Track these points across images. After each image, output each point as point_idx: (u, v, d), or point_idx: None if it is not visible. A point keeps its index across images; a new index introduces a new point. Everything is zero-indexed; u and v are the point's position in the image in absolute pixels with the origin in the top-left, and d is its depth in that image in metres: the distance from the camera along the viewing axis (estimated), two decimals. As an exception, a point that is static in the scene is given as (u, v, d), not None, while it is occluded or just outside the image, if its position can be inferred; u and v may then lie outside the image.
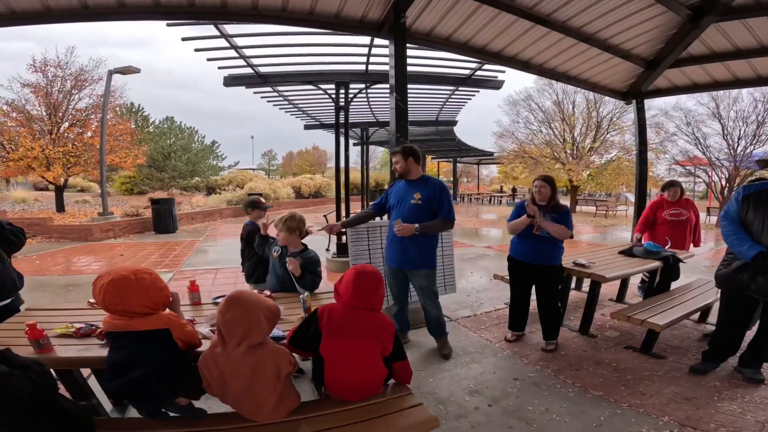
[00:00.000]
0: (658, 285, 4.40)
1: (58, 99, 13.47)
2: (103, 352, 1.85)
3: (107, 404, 2.54)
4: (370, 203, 3.71)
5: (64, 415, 1.59)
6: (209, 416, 1.88)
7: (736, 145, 14.24)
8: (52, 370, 2.14)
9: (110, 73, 10.75)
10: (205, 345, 1.95)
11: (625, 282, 5.08)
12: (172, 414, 1.85)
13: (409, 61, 4.40)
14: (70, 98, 13.76)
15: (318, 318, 1.95)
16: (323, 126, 10.96)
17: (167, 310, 1.90)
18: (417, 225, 3.21)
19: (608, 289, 5.12)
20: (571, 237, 3.54)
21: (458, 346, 3.71)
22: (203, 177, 25.92)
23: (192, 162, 25.99)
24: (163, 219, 11.11)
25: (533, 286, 3.75)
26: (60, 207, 13.68)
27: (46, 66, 13.35)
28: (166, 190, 23.47)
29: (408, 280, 3.56)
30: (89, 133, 14.11)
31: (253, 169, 38.51)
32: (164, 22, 4.27)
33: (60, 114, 13.58)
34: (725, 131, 14.48)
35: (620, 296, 5.09)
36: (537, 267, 3.58)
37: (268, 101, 8.54)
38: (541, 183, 3.54)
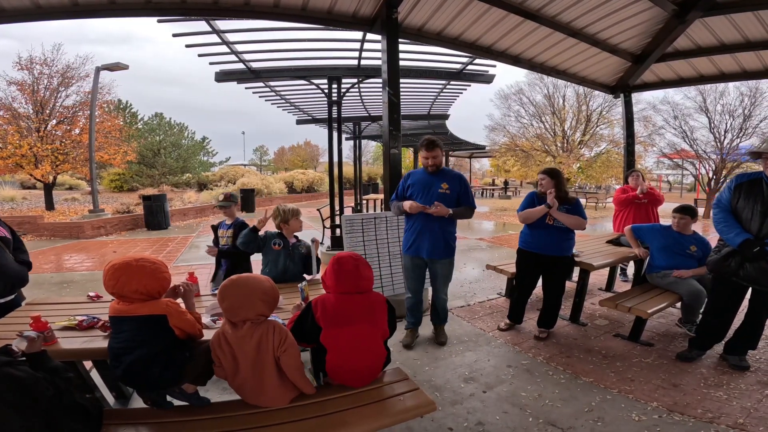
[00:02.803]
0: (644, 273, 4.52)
1: (44, 96, 13.27)
2: (106, 344, 1.88)
3: (110, 397, 2.58)
4: (391, 201, 3.70)
5: (79, 410, 1.65)
6: (213, 404, 1.93)
7: (722, 138, 14.42)
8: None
9: (98, 69, 10.62)
10: (208, 334, 2.00)
11: (613, 271, 5.21)
12: (177, 402, 1.90)
13: (401, 55, 4.43)
14: (57, 95, 13.57)
15: (312, 311, 1.99)
16: (315, 121, 10.94)
17: (179, 300, 1.95)
18: (451, 210, 3.32)
19: (597, 279, 5.24)
20: (584, 228, 3.56)
21: (453, 336, 3.79)
22: (194, 173, 25.71)
23: (182, 158, 25.78)
24: (155, 215, 11.05)
25: (540, 278, 3.77)
26: (50, 205, 13.52)
27: (32, 63, 13.15)
28: (157, 186, 23.28)
29: (425, 271, 3.63)
30: (77, 130, 13.93)
31: (245, 165, 38.26)
32: (154, 19, 4.27)
33: (47, 111, 13.39)
34: (712, 124, 14.65)
35: (609, 285, 5.22)
36: (549, 258, 3.58)
37: (260, 96, 8.50)
38: (542, 176, 3.59)
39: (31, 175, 13.43)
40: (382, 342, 2.07)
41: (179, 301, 2.03)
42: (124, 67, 10.58)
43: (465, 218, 3.48)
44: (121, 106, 25.88)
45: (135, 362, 1.74)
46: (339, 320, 1.97)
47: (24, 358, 1.57)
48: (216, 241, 3.98)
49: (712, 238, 3.67)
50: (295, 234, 3.19)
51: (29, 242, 9.25)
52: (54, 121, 13.71)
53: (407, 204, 3.38)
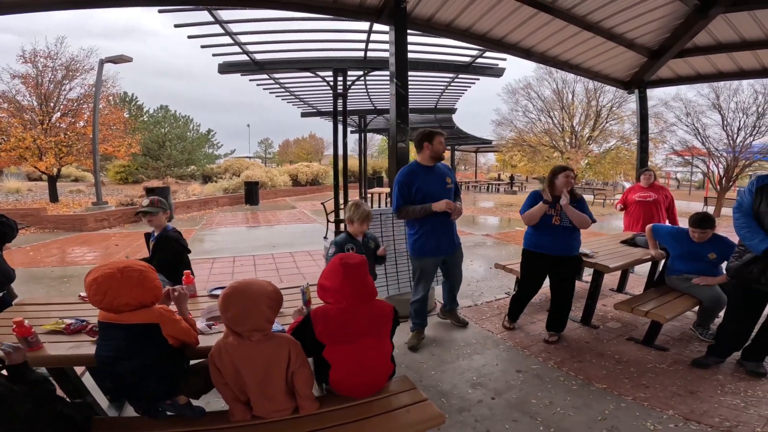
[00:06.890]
0: (660, 275, 4.37)
1: (48, 89, 13.23)
2: (94, 350, 1.78)
3: (103, 401, 2.48)
4: (395, 209, 3.50)
5: (64, 421, 1.58)
6: (209, 415, 1.83)
7: (735, 135, 14.18)
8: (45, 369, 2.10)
9: (101, 62, 10.53)
10: (206, 340, 1.89)
11: (625, 272, 5.05)
12: (169, 413, 1.80)
13: (409, 47, 4.28)
14: (61, 88, 13.52)
15: (312, 325, 1.81)
16: (320, 114, 10.82)
17: (171, 306, 1.84)
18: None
19: (609, 279, 5.08)
20: (594, 221, 3.49)
21: (460, 338, 3.68)
22: (199, 165, 25.63)
23: (187, 150, 25.67)
24: (159, 209, 10.98)
25: (546, 279, 3.67)
26: (54, 197, 13.49)
27: (36, 57, 13.10)
28: (162, 178, 23.26)
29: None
30: (81, 123, 13.87)
31: (250, 157, 38.24)
32: (155, 10, 4.16)
33: (51, 104, 13.36)
34: (725, 122, 14.40)
35: (621, 286, 5.07)
36: (557, 258, 3.46)
37: (264, 89, 8.38)
38: (571, 174, 3.42)
39: (35, 167, 13.41)
40: (389, 356, 1.93)
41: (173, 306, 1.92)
42: (128, 60, 10.48)
43: None
44: (127, 99, 25.85)
45: (127, 374, 1.63)
46: (343, 336, 1.81)
47: (2, 369, 1.47)
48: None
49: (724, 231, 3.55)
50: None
51: (32, 235, 9.23)
52: (58, 114, 13.67)
53: (440, 204, 3.25)
